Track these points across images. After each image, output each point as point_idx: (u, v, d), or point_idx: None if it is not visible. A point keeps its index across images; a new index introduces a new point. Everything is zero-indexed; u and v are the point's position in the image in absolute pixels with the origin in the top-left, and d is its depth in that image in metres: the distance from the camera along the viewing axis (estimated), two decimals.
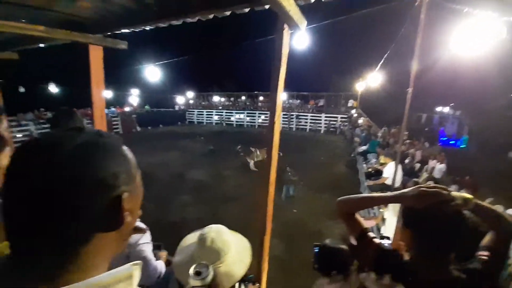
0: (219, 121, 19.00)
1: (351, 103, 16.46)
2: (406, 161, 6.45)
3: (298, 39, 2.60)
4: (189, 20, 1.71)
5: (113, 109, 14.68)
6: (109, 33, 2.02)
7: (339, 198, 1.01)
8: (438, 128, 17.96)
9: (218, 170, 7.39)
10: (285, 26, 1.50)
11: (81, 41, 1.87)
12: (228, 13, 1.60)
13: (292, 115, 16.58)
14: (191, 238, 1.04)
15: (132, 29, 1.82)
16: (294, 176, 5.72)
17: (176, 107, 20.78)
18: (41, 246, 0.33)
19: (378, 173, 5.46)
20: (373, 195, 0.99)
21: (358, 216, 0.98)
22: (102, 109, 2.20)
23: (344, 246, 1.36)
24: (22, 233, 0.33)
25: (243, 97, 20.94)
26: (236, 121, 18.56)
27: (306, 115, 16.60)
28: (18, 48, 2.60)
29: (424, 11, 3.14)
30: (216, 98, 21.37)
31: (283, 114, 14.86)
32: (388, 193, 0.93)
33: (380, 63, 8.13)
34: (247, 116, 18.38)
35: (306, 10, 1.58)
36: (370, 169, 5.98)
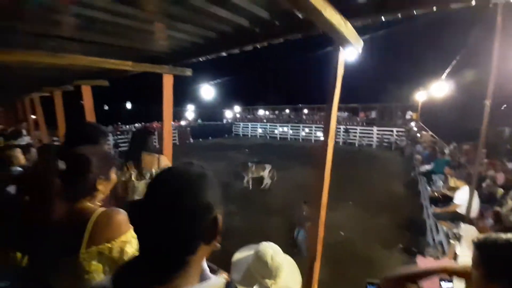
0: (263, 134, 19.39)
1: (409, 115, 14.74)
2: (484, 185, 5.35)
3: (351, 54, 2.54)
4: (246, 48, 1.88)
5: (171, 122, 16.63)
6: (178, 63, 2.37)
7: (386, 276, 0.87)
8: None
9: (262, 181, 7.47)
10: (340, 47, 1.51)
11: (157, 71, 2.25)
12: (282, 40, 1.70)
13: (339, 128, 15.72)
14: (243, 254, 1.08)
15: (198, 59, 2.09)
16: (308, 216, 3.97)
17: (224, 121, 22.18)
18: (163, 253, 0.42)
19: (446, 199, 4.66)
20: (433, 268, 0.81)
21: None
22: (170, 125, 2.58)
23: None
24: (150, 241, 0.43)
25: (287, 110, 21.02)
26: (280, 134, 18.63)
27: (355, 129, 15.50)
28: (109, 76, 3.25)
29: (500, 13, 2.71)
30: (261, 112, 22.02)
31: None
32: (456, 265, 0.77)
33: (447, 70, 7.17)
34: (291, 129, 18.27)
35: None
36: (436, 193, 5.16)
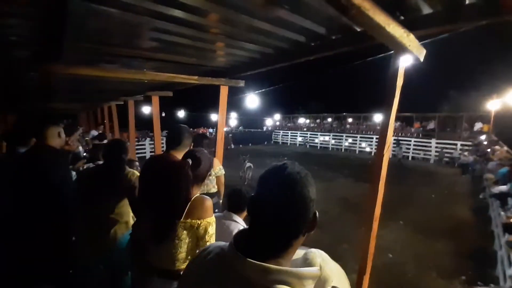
0: (302, 143, 19.05)
1: (478, 126, 12.64)
2: None
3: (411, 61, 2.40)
4: (299, 61, 1.97)
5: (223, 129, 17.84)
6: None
7: None
8: None
9: None
10: (401, 58, 1.48)
11: (216, 84, 2.53)
12: (336, 52, 1.74)
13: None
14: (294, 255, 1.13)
15: (253, 72, 2.28)
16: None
17: (264, 128, 22.56)
18: (277, 237, 0.52)
19: None
20: None
21: None
22: (223, 131, 2.84)
23: None
24: (266, 226, 0.52)
25: (329, 119, 20.26)
26: (321, 143, 18.03)
27: (409, 140, 13.97)
28: (174, 88, 3.74)
29: None
30: (301, 120, 21.73)
31: (376, 139, 13.12)
32: None
33: None
34: (333, 138, 17.52)
35: None
36: (511, 219, 4.30)
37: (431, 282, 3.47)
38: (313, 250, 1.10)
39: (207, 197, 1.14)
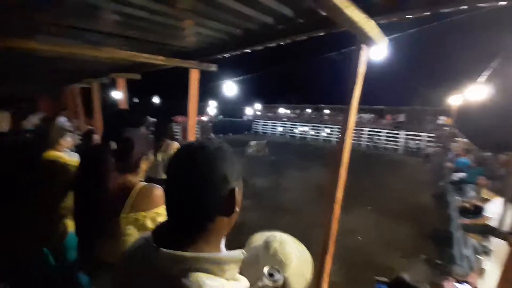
0: (283, 133, 19.31)
1: (442, 120, 13.74)
2: None
3: (375, 52, 2.47)
4: (269, 45, 1.93)
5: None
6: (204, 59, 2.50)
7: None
8: None
9: (279, 181, 7.50)
10: (363, 45, 1.50)
11: (185, 66, 2.40)
12: (305, 37, 1.72)
13: (362, 130, 15.12)
14: (258, 239, 1.08)
15: (223, 55, 2.19)
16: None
17: (245, 117, 22.40)
18: (187, 220, 0.49)
19: (477, 210, 4.33)
20: None
21: None
22: (195, 118, 2.73)
23: None
24: (175, 209, 0.50)
25: (309, 110, 20.68)
26: (300, 134, 18.42)
27: (380, 132, 14.81)
28: (142, 71, 3.50)
29: None
30: (281, 110, 21.90)
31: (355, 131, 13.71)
32: None
33: (486, 73, 6.58)
34: (312, 129, 17.97)
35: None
36: (466, 204, 4.80)
37: (395, 261, 3.81)
38: (275, 234, 1.10)
39: (153, 184, 1.00)
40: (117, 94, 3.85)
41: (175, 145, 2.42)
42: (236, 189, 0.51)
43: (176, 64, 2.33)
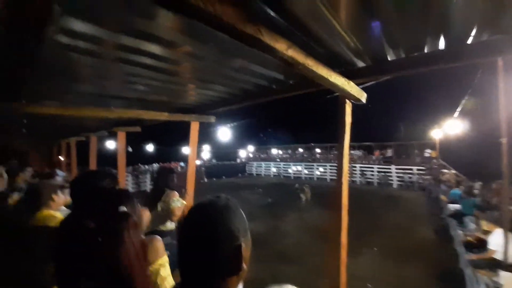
0: (276, 173, 19.31)
1: (428, 153, 14.35)
2: None
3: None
4: (262, 101, 2.18)
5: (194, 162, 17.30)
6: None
7: None
8: None
9: (277, 225, 7.21)
10: (346, 100, 1.74)
11: (187, 120, 2.60)
12: (293, 94, 1.98)
13: (355, 167, 15.40)
14: None
15: (223, 109, 2.43)
16: None
17: (238, 160, 22.56)
18: (201, 279, 0.49)
19: (482, 244, 4.24)
20: None
21: None
22: (194, 166, 2.81)
23: None
24: (189, 268, 0.50)
25: (300, 149, 21.22)
26: (294, 173, 18.47)
27: (372, 167, 15.12)
28: (144, 124, 3.69)
29: (501, 65, 2.93)
30: (274, 151, 22.35)
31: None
32: None
33: (458, 109, 7.28)
34: (305, 168, 18.15)
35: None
36: (469, 238, 4.72)
37: None
38: (285, 286, 1.09)
39: (152, 236, 1.00)
40: (115, 145, 3.94)
41: (175, 195, 2.41)
42: (243, 245, 0.52)
43: (179, 119, 2.53)
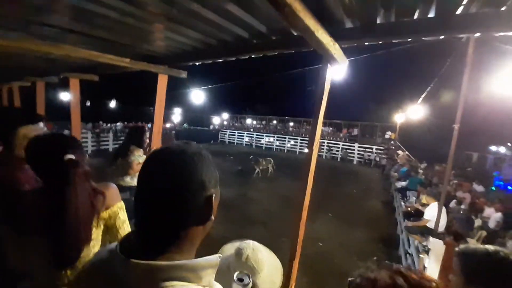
0: (249, 143, 19.51)
1: (388, 134, 15.64)
2: (452, 204, 5.79)
3: (337, 72, 2.75)
4: (242, 57, 1.99)
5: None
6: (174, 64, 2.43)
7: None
8: (493, 170, 15.75)
9: (246, 191, 7.47)
10: (328, 65, 1.66)
11: (153, 71, 2.29)
12: (276, 52, 1.83)
13: (323, 142, 16.27)
14: (230, 249, 1.09)
15: (194, 63, 2.17)
16: None
17: (211, 127, 22.06)
18: (159, 228, 0.45)
19: (418, 214, 4.97)
20: None
21: None
22: (160, 125, 2.58)
23: None
24: (147, 217, 0.45)
25: (275, 121, 21.43)
26: (266, 144, 18.85)
27: (338, 144, 16.13)
28: (101, 72, 3.21)
29: (472, 47, 3.06)
30: (248, 121, 22.22)
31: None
32: None
33: (423, 96, 7.81)
34: (277, 140, 18.58)
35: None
36: (409, 209, 5.49)
37: (352, 264, 4.08)
38: (247, 241, 1.10)
39: (109, 182, 0.98)
40: (68, 96, 3.43)
41: (139, 151, 2.28)
42: (214, 196, 0.48)
43: (142, 68, 2.20)
